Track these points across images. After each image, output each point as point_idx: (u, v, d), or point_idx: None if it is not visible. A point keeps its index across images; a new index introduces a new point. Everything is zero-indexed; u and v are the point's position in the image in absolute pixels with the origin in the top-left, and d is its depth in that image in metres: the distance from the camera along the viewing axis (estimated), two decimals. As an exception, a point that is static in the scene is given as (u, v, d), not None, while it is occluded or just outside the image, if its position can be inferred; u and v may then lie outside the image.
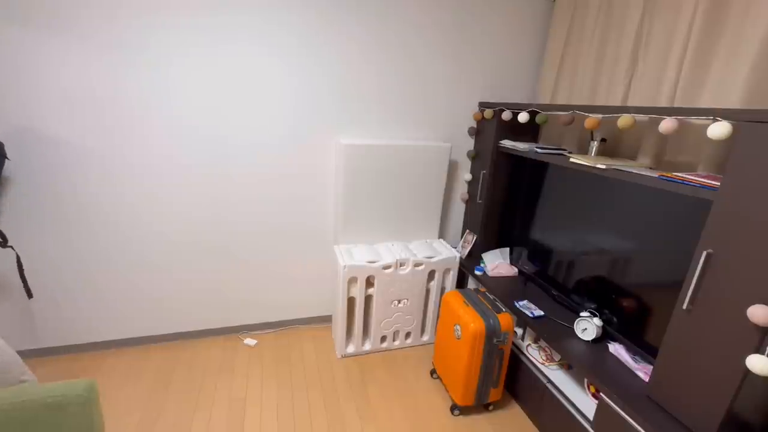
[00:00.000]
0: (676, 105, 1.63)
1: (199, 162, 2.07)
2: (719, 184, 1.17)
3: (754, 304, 1.07)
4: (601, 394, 1.50)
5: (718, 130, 1.17)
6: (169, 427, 1.77)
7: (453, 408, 1.95)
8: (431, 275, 2.34)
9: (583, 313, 1.79)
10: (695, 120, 1.43)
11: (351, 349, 2.34)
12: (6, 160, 1.73)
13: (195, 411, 1.86)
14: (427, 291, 2.36)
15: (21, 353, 2.07)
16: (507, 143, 2.26)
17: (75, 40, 1.73)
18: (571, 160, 1.75)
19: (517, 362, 2.00)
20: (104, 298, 2.15)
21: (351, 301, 2.23)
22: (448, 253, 2.37)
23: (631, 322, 1.69)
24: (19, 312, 2.03)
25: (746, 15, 1.41)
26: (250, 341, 2.40)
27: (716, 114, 1.21)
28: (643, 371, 1.53)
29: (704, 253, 1.18)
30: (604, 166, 1.58)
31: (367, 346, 2.36)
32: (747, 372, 1.09)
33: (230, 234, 2.25)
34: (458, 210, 2.70)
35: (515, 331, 2.11)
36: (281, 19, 1.97)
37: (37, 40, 1.70)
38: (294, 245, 2.40)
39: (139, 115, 1.91)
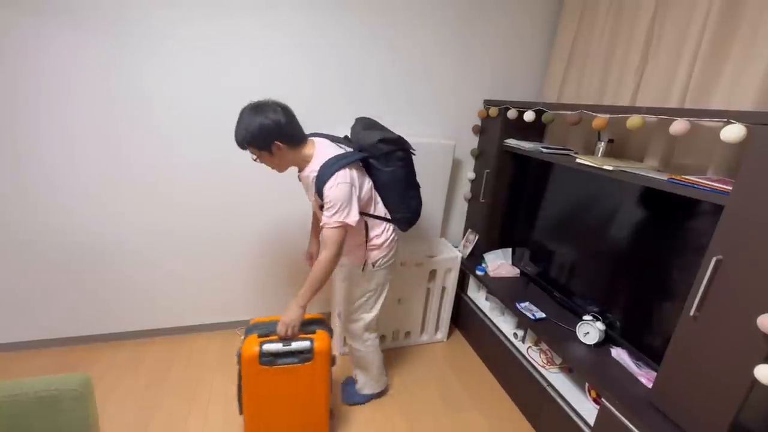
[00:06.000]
0: (686, 106, 1.60)
1: (199, 155, 2.04)
2: (731, 188, 1.14)
3: (764, 313, 1.04)
4: (602, 399, 1.48)
5: (733, 132, 1.14)
6: (165, 423, 1.75)
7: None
8: (432, 275, 2.31)
9: (585, 317, 1.77)
10: (706, 122, 1.40)
11: (349, 347, 2.31)
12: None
13: (191, 407, 1.85)
14: (428, 291, 2.34)
15: (15, 345, 2.08)
16: (512, 142, 2.23)
17: (74, 30, 1.71)
18: (578, 160, 1.72)
19: (516, 364, 1.98)
20: (100, 290, 2.13)
21: (350, 299, 2.20)
22: (450, 252, 2.34)
23: (634, 326, 1.67)
24: (13, 304, 2.01)
25: (763, 13, 1.37)
26: (248, 337, 2.38)
27: (729, 116, 1.18)
28: (645, 377, 1.50)
29: (714, 260, 1.15)
30: (611, 168, 1.55)
31: (366, 345, 2.34)
32: (754, 382, 1.07)
33: (229, 228, 2.23)
34: (461, 209, 2.67)
35: (515, 333, 2.09)
36: (284, 16, 1.93)
37: (40, 29, 1.67)
38: (293, 241, 2.37)
39: (138, 106, 1.88)
